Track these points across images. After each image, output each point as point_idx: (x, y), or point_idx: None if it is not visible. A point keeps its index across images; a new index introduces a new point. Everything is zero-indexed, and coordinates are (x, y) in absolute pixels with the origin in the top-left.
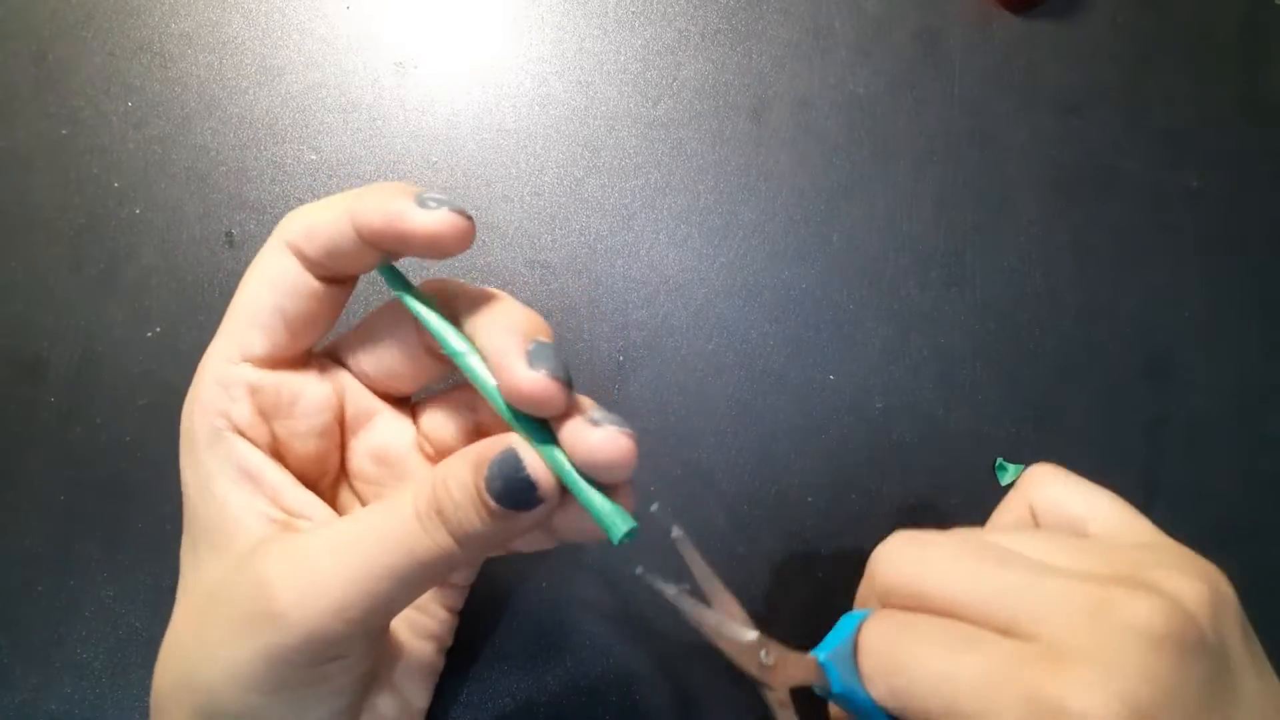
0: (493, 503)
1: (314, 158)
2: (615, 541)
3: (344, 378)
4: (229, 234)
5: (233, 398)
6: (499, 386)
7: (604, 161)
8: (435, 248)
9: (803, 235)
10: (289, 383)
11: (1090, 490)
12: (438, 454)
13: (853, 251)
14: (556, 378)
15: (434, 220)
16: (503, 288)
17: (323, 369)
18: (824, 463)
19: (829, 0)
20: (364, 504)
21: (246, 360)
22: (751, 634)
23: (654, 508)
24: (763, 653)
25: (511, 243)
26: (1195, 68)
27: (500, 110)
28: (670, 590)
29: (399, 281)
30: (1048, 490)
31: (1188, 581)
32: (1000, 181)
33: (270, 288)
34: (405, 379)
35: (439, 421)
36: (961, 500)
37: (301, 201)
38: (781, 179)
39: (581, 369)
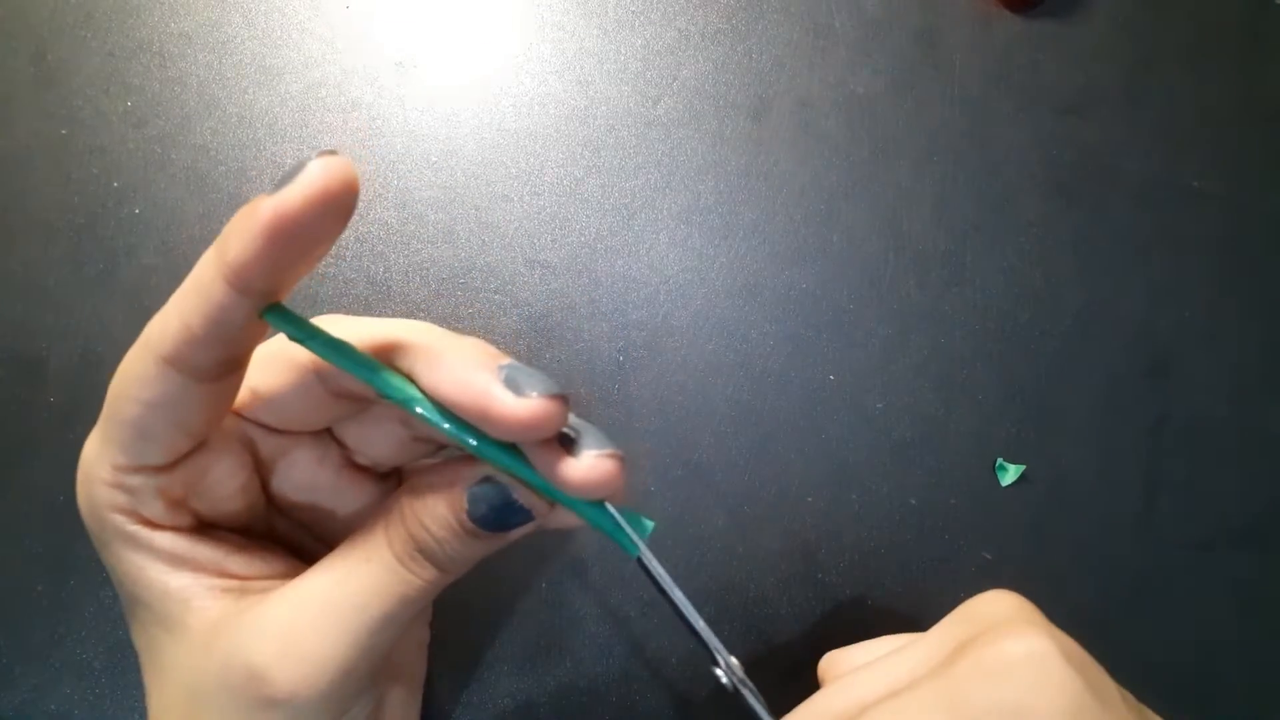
0: (477, 529)
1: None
2: (634, 554)
3: (245, 426)
4: None
5: (139, 501)
6: (489, 421)
7: (604, 161)
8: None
9: (803, 235)
10: (194, 464)
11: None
12: (373, 464)
13: (853, 251)
14: (553, 395)
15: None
16: (502, 288)
17: (223, 428)
18: (824, 463)
19: (829, 0)
20: (301, 525)
21: (142, 467)
22: (733, 660)
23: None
24: (722, 673)
25: (511, 243)
26: (1195, 68)
27: (500, 110)
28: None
29: (305, 331)
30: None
31: (1002, 601)
32: (1000, 181)
33: (160, 410)
34: (312, 423)
35: (369, 437)
36: (961, 500)
37: None
38: (781, 179)
39: (581, 369)
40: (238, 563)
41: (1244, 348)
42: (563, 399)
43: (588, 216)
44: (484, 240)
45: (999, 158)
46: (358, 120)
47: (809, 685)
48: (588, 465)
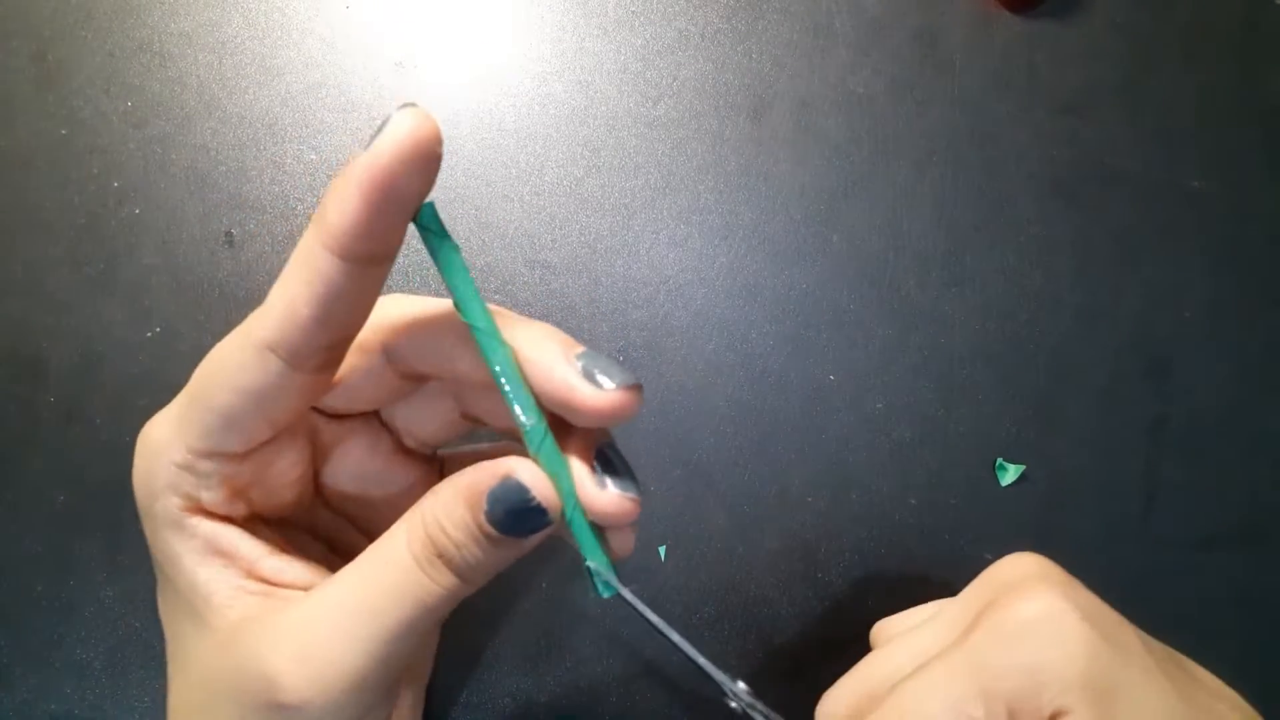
0: (496, 533)
1: (314, 158)
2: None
3: (309, 413)
4: (229, 234)
5: (203, 485)
6: (572, 409)
7: (604, 161)
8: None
9: (803, 235)
10: (265, 454)
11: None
12: (420, 447)
13: (853, 251)
14: (629, 386)
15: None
16: (502, 288)
17: None
18: (824, 463)
19: (829, 0)
20: (344, 517)
21: (218, 454)
22: (739, 685)
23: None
24: (731, 699)
25: (511, 243)
26: (1195, 68)
27: (500, 110)
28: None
29: (449, 246)
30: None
31: (1021, 563)
32: (1000, 181)
33: (254, 398)
34: (374, 403)
35: (419, 417)
36: (961, 500)
37: (302, 202)
38: (781, 179)
39: None
40: (271, 565)
41: (1244, 348)
42: (638, 388)
43: (588, 216)
44: (484, 240)
45: (999, 158)
46: (358, 120)
47: (809, 685)
48: (614, 498)
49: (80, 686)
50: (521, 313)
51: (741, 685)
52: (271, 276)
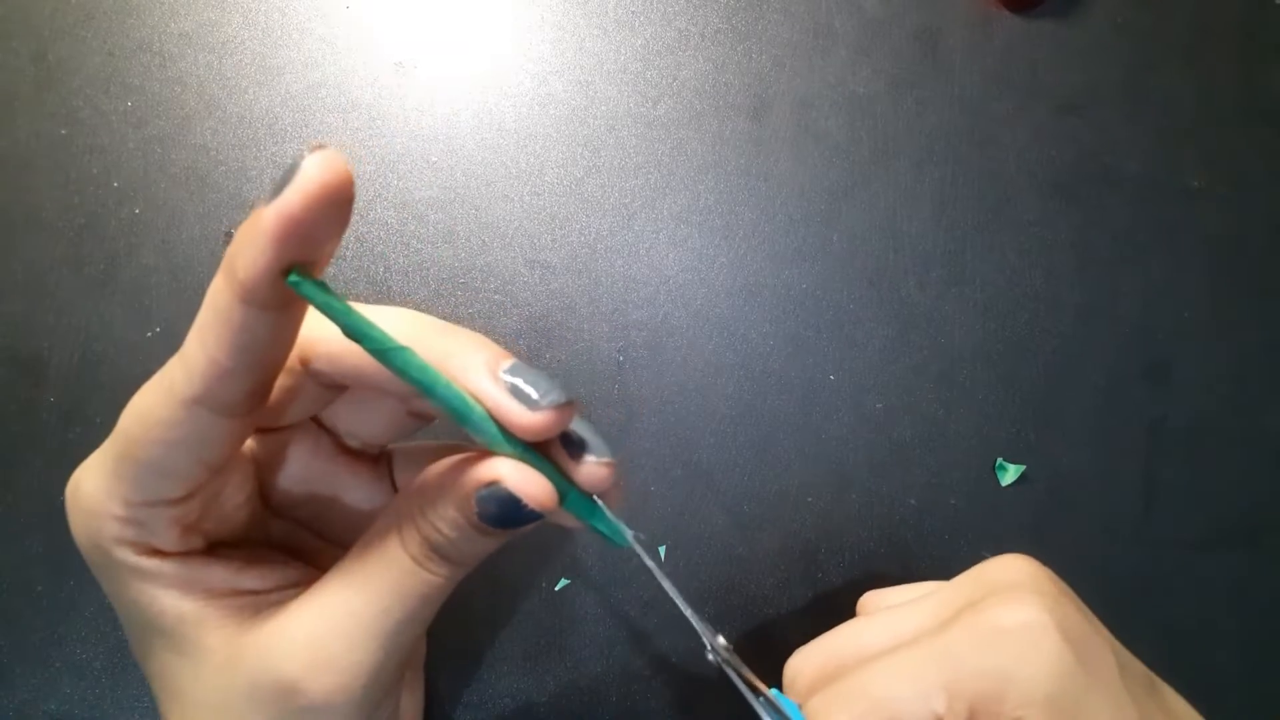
0: (489, 528)
1: None
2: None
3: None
4: (229, 234)
5: (150, 533)
6: (502, 422)
7: (604, 161)
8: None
9: (803, 235)
10: (209, 488)
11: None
12: (365, 446)
13: (853, 251)
14: (558, 405)
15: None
16: (502, 288)
17: None
18: (824, 463)
19: (829, 0)
20: (298, 524)
21: (158, 502)
22: (719, 639)
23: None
24: (710, 653)
25: (511, 243)
26: (1195, 68)
27: (500, 110)
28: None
29: (333, 304)
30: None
31: (1014, 566)
32: (1000, 181)
33: (185, 448)
34: (304, 414)
35: (360, 418)
36: (961, 500)
37: None
38: (781, 179)
39: (581, 369)
40: (249, 578)
41: (1243, 348)
42: (569, 405)
43: (588, 216)
44: (484, 240)
45: (999, 158)
46: (358, 120)
47: (792, 653)
48: (591, 469)
49: (80, 686)
50: (521, 313)
51: (721, 640)
52: None
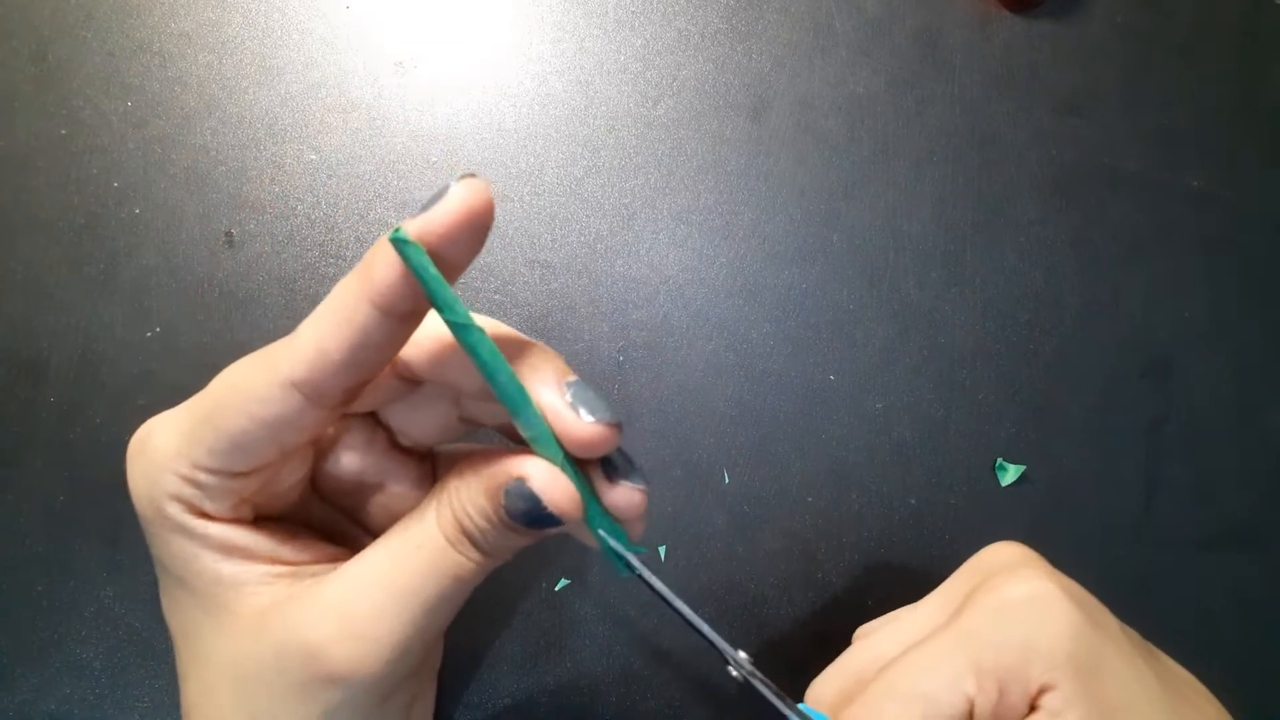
0: (514, 524)
1: (314, 158)
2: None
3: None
4: (228, 234)
5: (208, 497)
6: (554, 425)
7: (604, 161)
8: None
9: (803, 235)
10: (269, 469)
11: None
12: (415, 445)
13: (853, 251)
14: (610, 423)
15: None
16: (502, 288)
17: None
18: (824, 463)
19: (829, 0)
20: (339, 510)
21: (224, 472)
22: (740, 654)
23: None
24: (733, 668)
25: (511, 243)
26: (1195, 68)
27: (500, 110)
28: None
29: (436, 282)
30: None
31: (1004, 551)
32: (1000, 181)
33: (271, 428)
34: (371, 404)
35: (416, 418)
36: (961, 500)
37: (301, 202)
38: (781, 179)
39: (581, 369)
40: (289, 550)
41: (1243, 348)
42: (618, 425)
43: (588, 216)
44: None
45: (999, 158)
46: (358, 120)
47: (810, 685)
48: (625, 493)
49: (80, 686)
50: (521, 313)
51: (743, 655)
52: (271, 276)
